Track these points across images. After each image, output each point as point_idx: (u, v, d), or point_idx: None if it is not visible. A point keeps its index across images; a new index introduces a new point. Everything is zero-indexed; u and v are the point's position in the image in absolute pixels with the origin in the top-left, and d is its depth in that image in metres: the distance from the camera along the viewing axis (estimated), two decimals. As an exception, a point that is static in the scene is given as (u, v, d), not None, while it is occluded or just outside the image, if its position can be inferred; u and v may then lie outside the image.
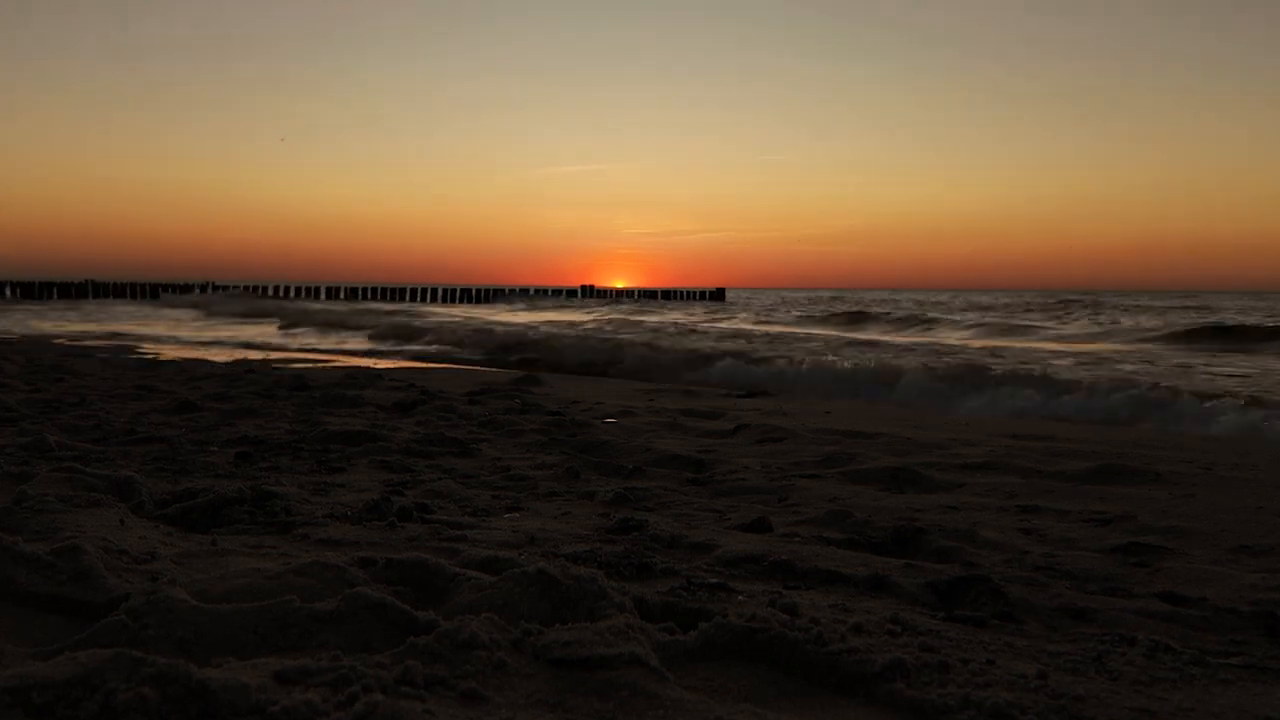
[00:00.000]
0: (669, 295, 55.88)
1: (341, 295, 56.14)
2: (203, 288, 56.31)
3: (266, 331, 17.31)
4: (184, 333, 16.26)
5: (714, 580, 1.87)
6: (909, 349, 12.48)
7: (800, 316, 27.12)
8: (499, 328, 15.55)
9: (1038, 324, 20.95)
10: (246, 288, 54.65)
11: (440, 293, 55.65)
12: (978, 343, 15.63)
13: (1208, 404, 6.23)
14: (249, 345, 13.15)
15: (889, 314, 25.67)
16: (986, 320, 21.84)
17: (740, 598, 1.76)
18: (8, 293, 45.34)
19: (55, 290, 47.22)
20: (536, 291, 56.85)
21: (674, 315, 27.20)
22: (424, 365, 9.84)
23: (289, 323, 19.04)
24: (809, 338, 15.62)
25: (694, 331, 16.44)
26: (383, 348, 13.23)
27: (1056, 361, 10.58)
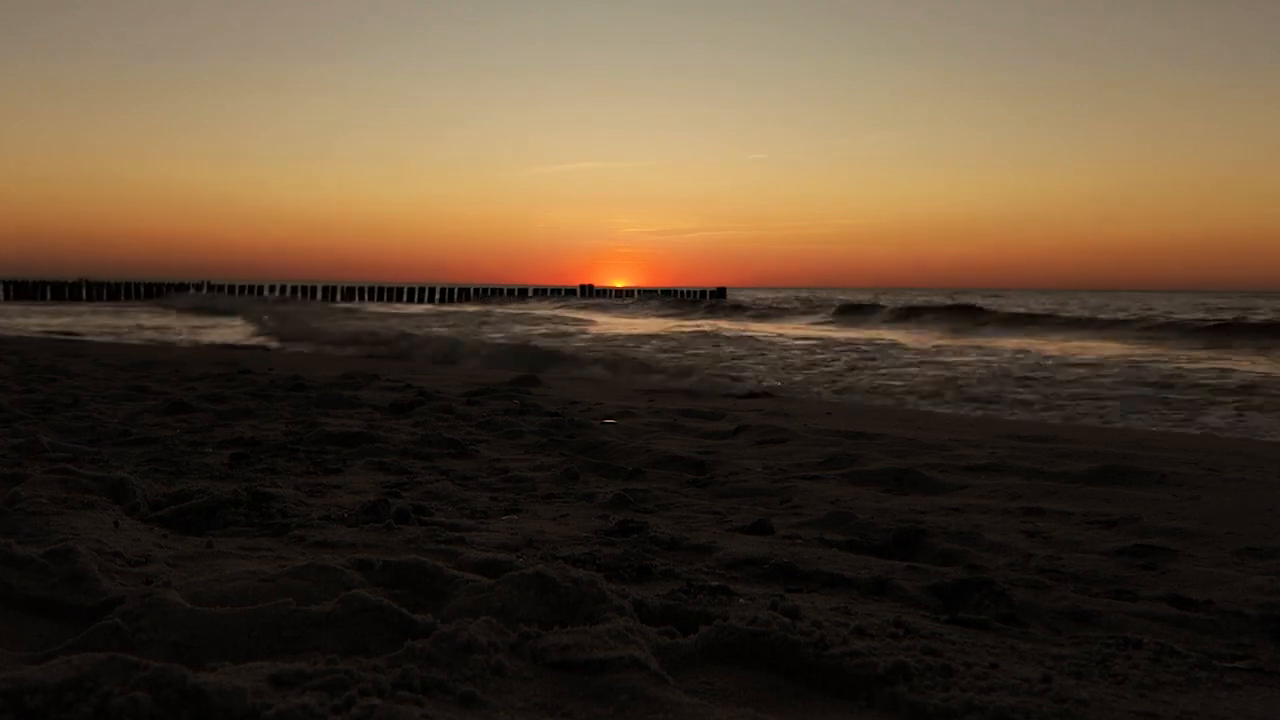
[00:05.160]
0: (669, 294, 55.85)
1: (338, 295, 56.15)
2: (197, 287, 56.33)
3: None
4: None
5: (715, 583, 1.86)
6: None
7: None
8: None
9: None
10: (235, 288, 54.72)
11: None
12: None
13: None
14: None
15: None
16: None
17: (741, 601, 1.75)
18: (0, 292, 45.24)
19: (49, 290, 47.17)
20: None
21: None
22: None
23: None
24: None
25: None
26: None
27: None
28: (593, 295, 52.95)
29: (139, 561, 1.83)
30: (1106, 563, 2.20)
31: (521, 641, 1.37)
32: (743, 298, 47.92)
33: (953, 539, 2.36)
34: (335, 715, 1.09)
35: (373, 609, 1.43)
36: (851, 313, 27.13)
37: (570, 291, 55.63)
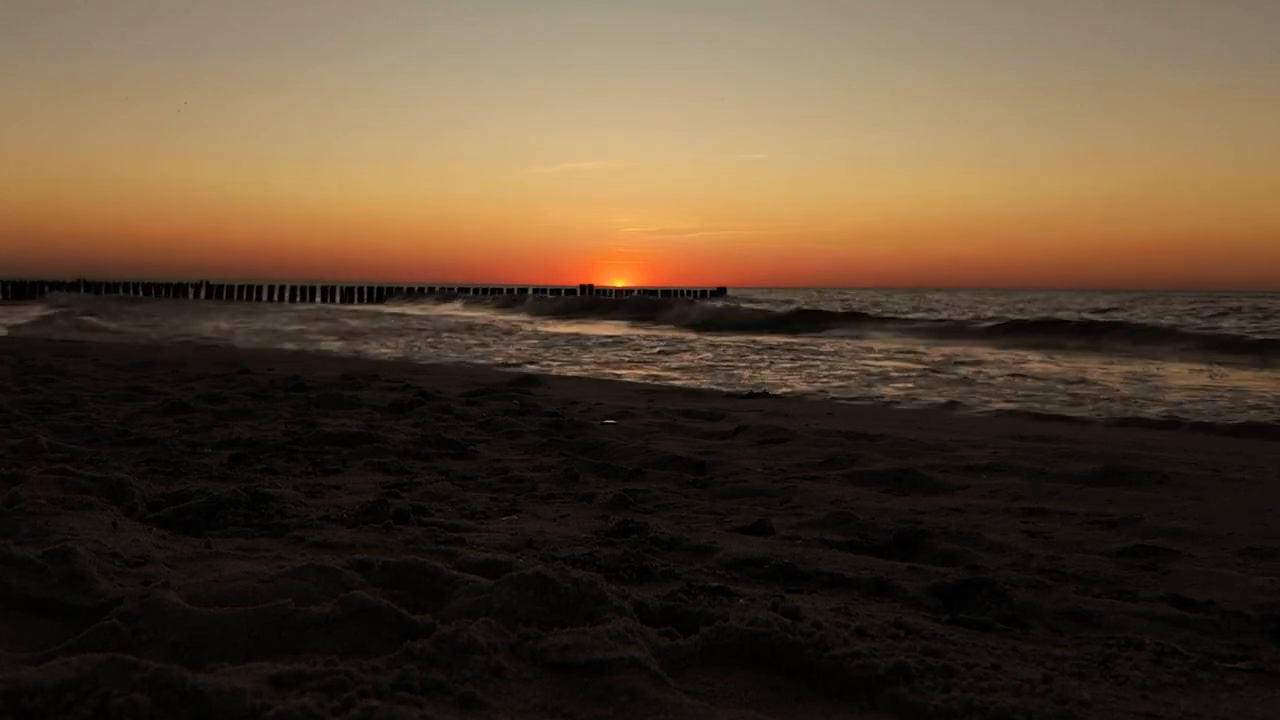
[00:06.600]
0: (669, 294, 55.84)
1: (336, 296, 56.16)
2: (196, 288, 56.32)
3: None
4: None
5: (715, 584, 1.85)
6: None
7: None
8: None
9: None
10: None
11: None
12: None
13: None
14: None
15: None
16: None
17: (741, 601, 1.74)
18: None
19: (47, 290, 47.13)
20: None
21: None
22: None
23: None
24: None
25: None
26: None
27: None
28: (592, 294, 52.87)
29: (138, 562, 1.83)
30: (1108, 563, 2.20)
31: (521, 642, 1.36)
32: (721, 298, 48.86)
33: (954, 539, 2.36)
34: (334, 716, 1.09)
35: (372, 610, 1.43)
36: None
37: (570, 291, 55.59)
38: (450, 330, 19.39)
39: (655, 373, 9.91)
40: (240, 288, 56.20)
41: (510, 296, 44.35)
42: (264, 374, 6.73)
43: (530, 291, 56.32)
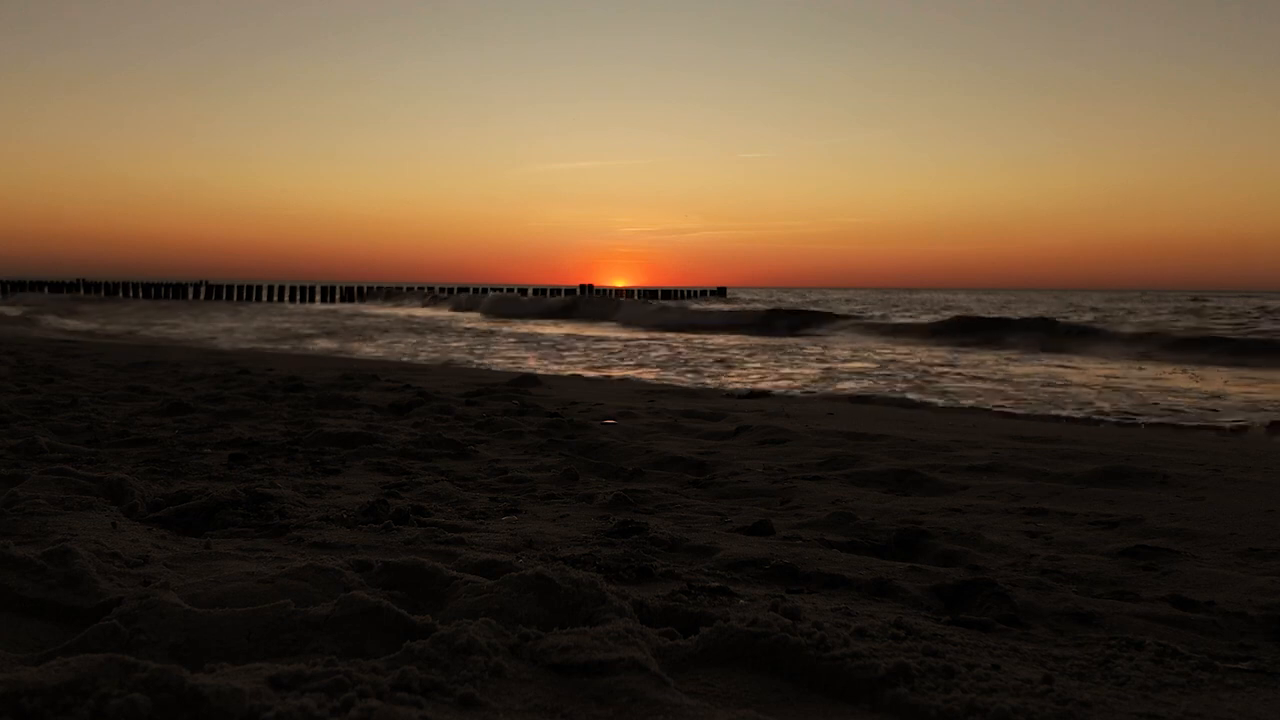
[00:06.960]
0: (669, 294, 55.88)
1: (336, 296, 56.18)
2: (195, 288, 56.32)
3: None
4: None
5: (715, 584, 1.85)
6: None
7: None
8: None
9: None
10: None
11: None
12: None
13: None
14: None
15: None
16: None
17: (742, 602, 1.74)
18: None
19: (46, 289, 47.13)
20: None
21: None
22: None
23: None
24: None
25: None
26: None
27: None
28: (591, 294, 52.86)
29: (137, 563, 1.82)
30: (1108, 564, 2.19)
31: (521, 643, 1.36)
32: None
33: (954, 540, 2.36)
34: (334, 717, 1.09)
35: (371, 610, 1.42)
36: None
37: (570, 291, 55.60)
38: (436, 330, 20.11)
39: (632, 373, 10.14)
40: (240, 288, 56.23)
41: (470, 298, 44.23)
42: (263, 374, 6.73)
43: (530, 291, 56.28)
